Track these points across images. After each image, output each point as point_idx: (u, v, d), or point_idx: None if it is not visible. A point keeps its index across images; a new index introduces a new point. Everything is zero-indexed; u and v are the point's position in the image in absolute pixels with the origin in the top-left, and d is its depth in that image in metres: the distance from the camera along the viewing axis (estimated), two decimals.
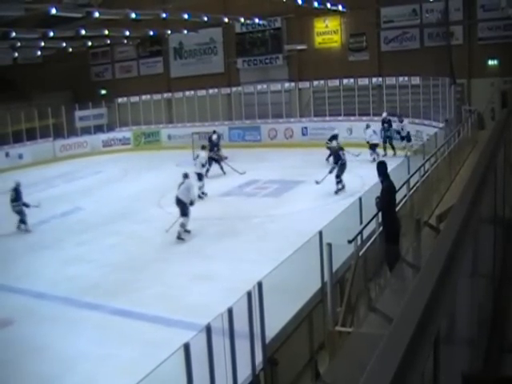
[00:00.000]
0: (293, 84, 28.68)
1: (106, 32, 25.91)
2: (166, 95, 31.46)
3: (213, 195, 17.95)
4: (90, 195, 19.54)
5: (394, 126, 22.25)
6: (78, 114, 30.74)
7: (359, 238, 7.27)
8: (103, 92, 33.65)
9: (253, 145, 28.01)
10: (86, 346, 8.58)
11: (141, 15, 22.23)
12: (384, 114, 22.97)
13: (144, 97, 31.21)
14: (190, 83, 30.32)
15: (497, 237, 3.73)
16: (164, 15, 23.45)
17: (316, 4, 24.06)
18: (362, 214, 8.24)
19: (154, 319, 9.37)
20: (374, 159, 19.60)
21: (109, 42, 30.49)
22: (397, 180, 8.47)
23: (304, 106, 28.66)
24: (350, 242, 6.93)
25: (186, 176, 14.27)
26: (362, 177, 17.13)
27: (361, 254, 7.16)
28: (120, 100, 31.74)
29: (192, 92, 30.10)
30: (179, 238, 13.62)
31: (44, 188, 20.64)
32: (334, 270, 7.06)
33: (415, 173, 10.05)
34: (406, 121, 22.30)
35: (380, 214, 7.86)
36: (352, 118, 26.18)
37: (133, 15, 21.53)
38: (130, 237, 14.22)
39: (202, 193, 17.91)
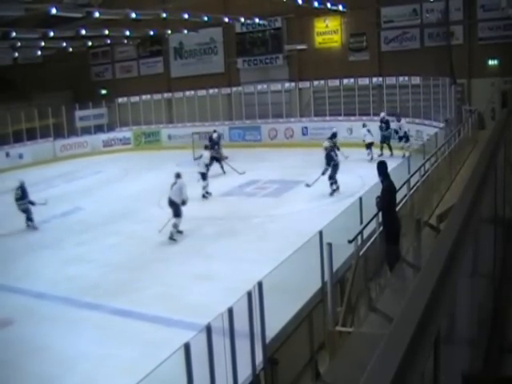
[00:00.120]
0: (293, 84, 28.69)
1: (106, 32, 25.95)
2: (166, 95, 31.47)
3: (213, 195, 17.96)
4: (90, 195, 19.55)
5: (392, 125, 22.23)
6: (79, 113, 30.75)
7: (359, 237, 7.26)
8: (103, 92, 33.67)
9: (253, 145, 28.01)
10: (85, 346, 8.58)
11: (141, 15, 22.24)
12: (382, 114, 22.95)
13: (144, 97, 31.22)
14: (190, 83, 30.32)
15: (497, 237, 3.73)
16: (164, 15, 23.43)
17: (316, 4, 24.07)
18: (363, 214, 8.24)
19: (154, 319, 9.36)
20: (372, 158, 19.59)
21: (109, 41, 30.52)
22: (397, 180, 8.47)
23: (304, 105, 28.66)
24: (350, 241, 6.93)
25: (178, 176, 14.14)
26: (362, 177, 17.11)
27: (361, 253, 7.15)
28: (120, 100, 31.76)
29: (192, 92, 30.10)
30: (171, 238, 13.55)
31: (44, 188, 20.60)
32: (335, 269, 7.05)
33: (415, 172, 10.05)
34: (403, 120, 22.28)
35: (380, 214, 7.86)
36: (352, 117, 26.17)
37: (133, 15, 21.54)
38: (130, 237, 14.21)
39: (207, 192, 17.88)
